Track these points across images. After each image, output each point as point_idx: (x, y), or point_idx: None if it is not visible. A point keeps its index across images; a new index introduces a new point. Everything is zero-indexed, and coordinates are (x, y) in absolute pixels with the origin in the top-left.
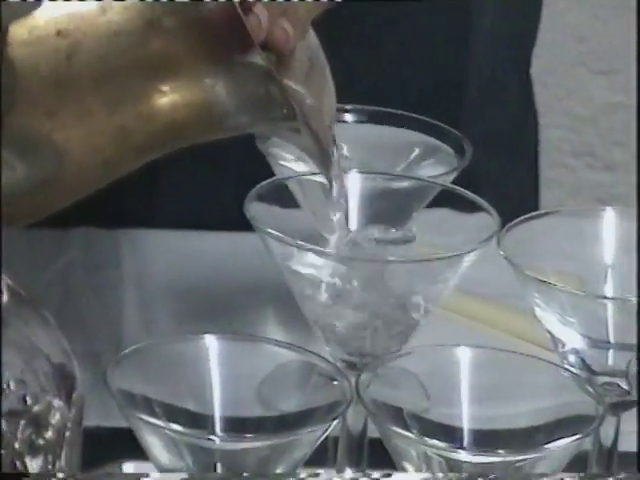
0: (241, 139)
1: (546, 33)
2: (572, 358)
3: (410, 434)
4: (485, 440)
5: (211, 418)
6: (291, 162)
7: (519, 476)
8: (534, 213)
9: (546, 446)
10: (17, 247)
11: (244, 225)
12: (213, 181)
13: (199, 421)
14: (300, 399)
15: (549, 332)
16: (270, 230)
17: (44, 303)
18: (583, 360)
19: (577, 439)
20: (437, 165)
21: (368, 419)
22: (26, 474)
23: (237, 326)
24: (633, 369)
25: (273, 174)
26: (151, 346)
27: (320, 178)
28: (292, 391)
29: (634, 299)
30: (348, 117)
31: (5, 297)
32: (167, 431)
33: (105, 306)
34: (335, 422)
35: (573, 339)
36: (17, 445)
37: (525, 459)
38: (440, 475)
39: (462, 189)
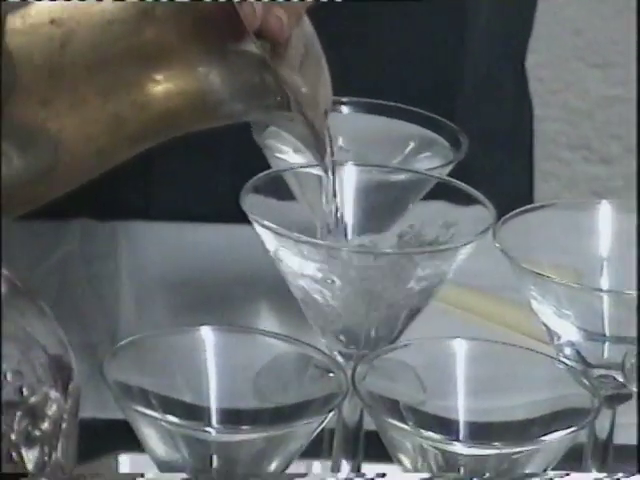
0: (237, 131)
1: (543, 26)
2: (568, 351)
3: (406, 426)
4: (481, 432)
5: (207, 410)
6: (287, 154)
7: (513, 476)
8: (530, 206)
9: (542, 439)
10: (13, 239)
11: (240, 217)
12: (209, 173)
13: (195, 413)
14: (296, 391)
15: (545, 325)
16: (266, 222)
17: (41, 294)
18: (579, 353)
19: (573, 432)
20: (433, 158)
21: (364, 411)
22: (25, 474)
23: (233, 318)
24: (629, 362)
25: (269, 166)
26: (147, 338)
27: (316, 170)
28: (288, 383)
29: (630, 292)
30: (344, 109)
31: (3, 289)
32: (163, 423)
33: (101, 298)
34: (331, 414)
35: (569, 332)
36: (13, 436)
37: (520, 451)
38: (435, 474)
39: (458, 181)
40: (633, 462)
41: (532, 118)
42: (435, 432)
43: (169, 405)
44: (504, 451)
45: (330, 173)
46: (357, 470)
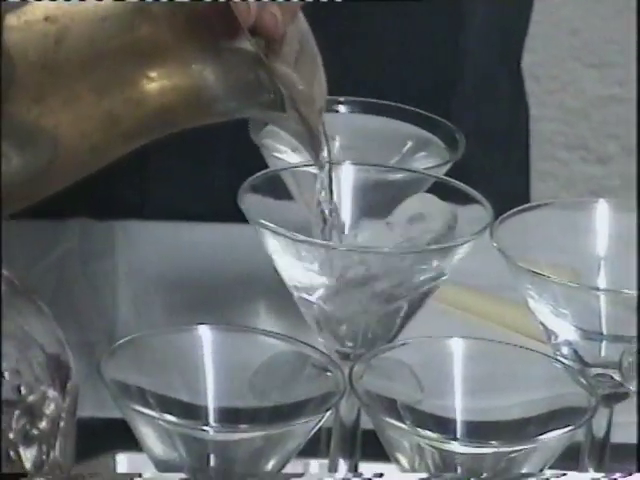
0: (234, 130)
1: (539, 26)
2: (565, 350)
3: (403, 425)
4: (478, 431)
5: (205, 409)
6: (285, 154)
7: (510, 475)
8: (527, 205)
9: (539, 437)
10: (11, 238)
11: (237, 216)
12: (207, 172)
13: (193, 412)
14: (293, 390)
15: (542, 324)
16: (264, 221)
17: (38, 293)
18: (576, 352)
19: (570, 430)
20: (430, 157)
21: (361, 410)
22: (24, 474)
23: (231, 317)
24: (626, 361)
25: (267, 166)
26: (145, 337)
27: (314, 170)
28: (285, 382)
29: (627, 291)
30: (342, 109)
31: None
32: (161, 422)
33: (99, 297)
34: (328, 413)
35: (566, 331)
36: (11, 435)
37: (518, 450)
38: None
39: (455, 181)
40: (630, 461)
41: (528, 118)
42: (432, 431)
43: (167, 404)
44: (501, 450)
45: (325, 170)
46: (354, 469)
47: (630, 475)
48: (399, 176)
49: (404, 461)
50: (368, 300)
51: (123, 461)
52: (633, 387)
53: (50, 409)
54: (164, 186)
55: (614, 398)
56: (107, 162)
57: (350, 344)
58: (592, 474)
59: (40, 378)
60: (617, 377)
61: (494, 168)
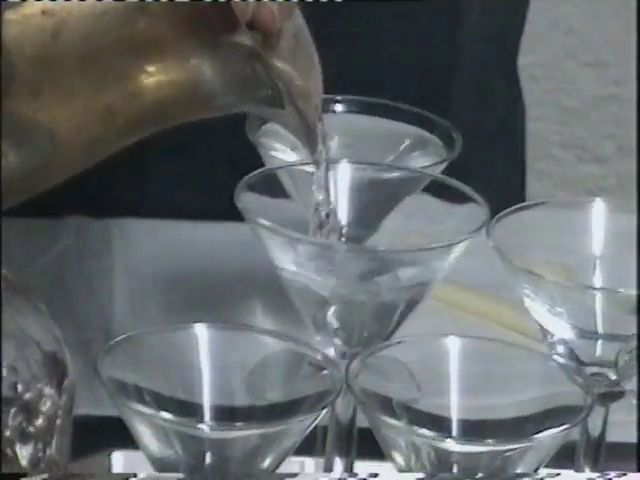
0: (231, 129)
1: (535, 26)
2: (561, 348)
3: (399, 423)
4: (474, 430)
5: (201, 407)
6: (281, 152)
7: (506, 475)
8: (523, 204)
9: (534, 436)
10: (8, 236)
11: (234, 215)
12: (203, 171)
13: (189, 410)
14: (290, 388)
15: (538, 323)
16: (260, 220)
17: (35, 291)
18: (572, 350)
19: (565, 429)
20: (427, 156)
21: (357, 408)
22: (24, 474)
23: (227, 315)
24: (622, 359)
25: (263, 164)
26: (141, 335)
27: (310, 168)
28: (282, 380)
29: (623, 290)
30: (339, 107)
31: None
32: (157, 419)
33: (96, 295)
34: (324, 411)
35: (562, 330)
36: (8, 433)
37: (513, 449)
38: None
39: (452, 179)
40: (626, 460)
41: (524, 116)
42: (428, 429)
43: (163, 402)
44: (497, 448)
45: (322, 169)
46: (350, 467)
47: (624, 475)
48: (395, 175)
49: (400, 459)
50: (364, 298)
51: (119, 459)
52: (629, 386)
53: (46, 407)
54: (161, 184)
55: (610, 397)
56: (104, 156)
57: (346, 342)
58: (588, 474)
59: (37, 376)
60: (613, 376)
61: (490, 167)
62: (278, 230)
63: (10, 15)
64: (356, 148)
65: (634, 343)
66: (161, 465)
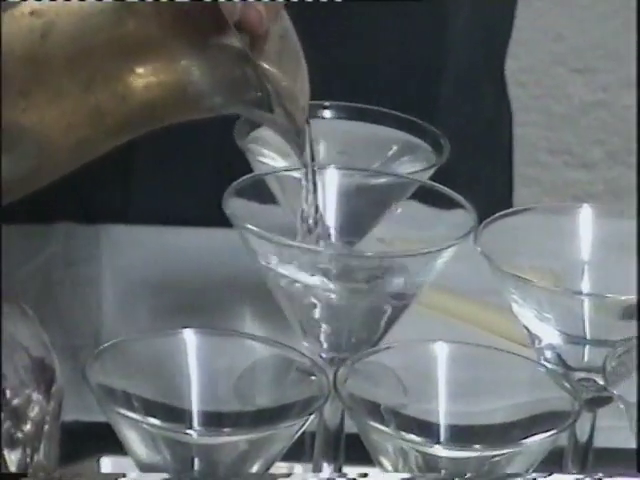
0: (219, 135)
1: (523, 32)
2: (549, 354)
3: (387, 429)
4: (462, 435)
5: (189, 412)
6: (270, 158)
7: (492, 477)
8: (511, 210)
9: (522, 441)
10: None
11: (223, 221)
12: (192, 177)
13: (177, 415)
14: (278, 394)
15: (526, 328)
16: (248, 226)
17: (24, 297)
18: (559, 356)
19: (553, 434)
20: (415, 162)
21: (345, 414)
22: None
23: (215, 321)
24: (609, 365)
25: (252, 170)
26: (130, 341)
27: (299, 174)
28: (270, 386)
29: (610, 295)
30: (327, 113)
31: None
32: (145, 425)
33: (84, 301)
34: (312, 417)
35: (550, 335)
36: None
37: (501, 454)
38: (417, 474)
39: (439, 185)
40: (613, 465)
41: (511, 122)
42: (416, 435)
43: (151, 408)
44: (484, 454)
45: (309, 168)
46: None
47: (611, 477)
48: (383, 180)
49: (388, 464)
50: (352, 304)
51: (107, 465)
52: (616, 391)
53: (34, 412)
54: (149, 190)
55: (597, 402)
56: (93, 157)
57: (334, 348)
58: (576, 476)
59: (25, 381)
60: (600, 381)
61: (477, 173)
62: (266, 236)
63: None
64: (344, 154)
65: (621, 349)
66: (149, 471)
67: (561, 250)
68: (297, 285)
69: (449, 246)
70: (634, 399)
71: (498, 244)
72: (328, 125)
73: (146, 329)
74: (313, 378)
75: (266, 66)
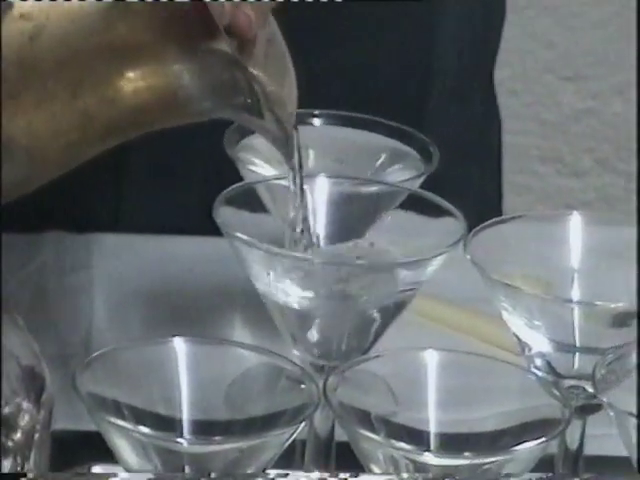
0: (209, 143)
1: (514, 40)
2: (539, 361)
3: (377, 437)
4: (452, 443)
5: (179, 421)
6: (260, 167)
7: (485, 478)
8: (501, 218)
9: (512, 449)
10: None
11: (213, 229)
12: (182, 186)
13: (167, 424)
14: (268, 402)
15: (516, 336)
16: (239, 234)
17: (14, 306)
18: (549, 364)
19: (543, 442)
20: (404, 170)
21: (335, 422)
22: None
23: (205, 330)
24: (599, 373)
25: (241, 179)
26: (120, 349)
27: (288, 182)
28: (260, 394)
29: (600, 303)
30: (316, 121)
31: None
32: (135, 434)
33: (75, 309)
34: (302, 425)
35: (540, 343)
36: None
37: (491, 462)
38: (405, 475)
39: (429, 193)
40: (603, 472)
41: (500, 130)
42: (406, 443)
43: (142, 416)
44: (475, 461)
45: (297, 173)
46: None
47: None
48: (373, 189)
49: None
50: (342, 312)
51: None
52: (606, 399)
53: (25, 421)
54: (139, 199)
55: (587, 410)
56: (82, 161)
57: (324, 356)
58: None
59: (15, 390)
60: (590, 389)
61: (466, 180)
62: (256, 244)
63: None
64: (333, 162)
65: (611, 356)
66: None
67: (551, 258)
68: (287, 293)
69: (439, 254)
70: (623, 407)
71: (488, 252)
72: (317, 133)
73: (137, 338)
74: (303, 386)
75: (255, 71)
